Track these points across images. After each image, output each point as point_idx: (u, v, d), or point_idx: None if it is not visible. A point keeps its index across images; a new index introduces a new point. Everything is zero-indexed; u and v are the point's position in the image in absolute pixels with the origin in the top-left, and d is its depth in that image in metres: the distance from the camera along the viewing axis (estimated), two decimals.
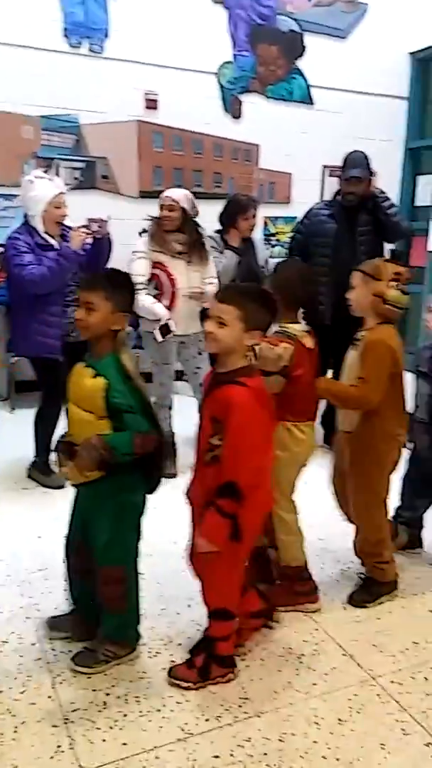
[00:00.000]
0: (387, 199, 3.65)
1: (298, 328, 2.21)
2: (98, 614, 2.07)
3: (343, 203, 3.70)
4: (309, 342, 2.23)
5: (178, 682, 1.99)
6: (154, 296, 3.41)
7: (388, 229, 3.68)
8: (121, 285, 1.94)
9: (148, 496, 2.04)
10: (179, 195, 3.41)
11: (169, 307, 3.40)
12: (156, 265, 3.40)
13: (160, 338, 3.41)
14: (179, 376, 3.77)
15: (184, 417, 3.51)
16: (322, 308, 3.67)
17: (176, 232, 3.40)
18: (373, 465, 2.32)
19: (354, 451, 2.35)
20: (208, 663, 1.99)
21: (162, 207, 3.40)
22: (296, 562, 2.33)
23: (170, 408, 3.62)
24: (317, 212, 3.80)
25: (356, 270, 2.31)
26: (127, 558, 2.02)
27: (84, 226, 3.25)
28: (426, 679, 2.05)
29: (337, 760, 1.74)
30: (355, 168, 3.61)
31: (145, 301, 3.39)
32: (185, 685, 1.97)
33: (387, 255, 3.90)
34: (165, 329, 3.41)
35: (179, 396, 3.83)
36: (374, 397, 2.21)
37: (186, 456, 3.63)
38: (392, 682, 2.03)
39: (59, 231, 3.27)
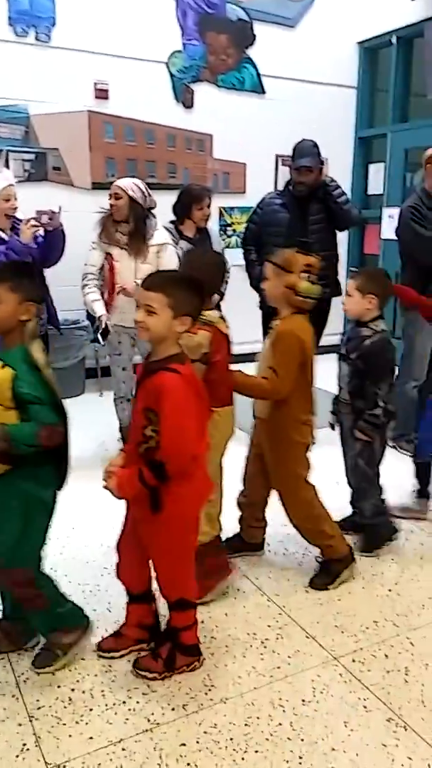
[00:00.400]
0: (337, 187, 3.69)
1: (214, 314, 2.21)
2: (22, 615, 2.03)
3: (294, 193, 3.72)
4: (224, 327, 2.24)
5: (143, 673, 1.99)
6: (102, 286, 3.46)
7: (339, 218, 3.72)
8: (26, 275, 1.89)
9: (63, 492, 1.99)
10: (126, 183, 3.38)
11: (110, 301, 3.41)
12: (106, 256, 3.43)
13: (101, 340, 3.46)
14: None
15: None
16: None
17: (124, 223, 3.39)
18: (287, 450, 2.40)
19: (269, 438, 2.44)
20: (173, 653, 2.00)
21: (110, 196, 3.41)
22: (205, 537, 2.31)
23: (128, 400, 3.61)
24: (270, 202, 3.81)
25: (268, 261, 2.33)
26: (34, 558, 1.95)
27: (34, 219, 3.19)
28: (386, 656, 2.10)
29: (302, 740, 1.77)
30: (304, 157, 3.62)
31: (87, 297, 3.46)
32: (151, 675, 1.98)
33: (340, 244, 3.94)
34: (104, 331, 3.42)
35: None
36: (284, 388, 2.28)
37: None
38: (354, 661, 2.08)
39: (9, 224, 3.20)
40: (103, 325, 3.40)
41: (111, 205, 3.39)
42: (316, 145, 3.66)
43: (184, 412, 1.77)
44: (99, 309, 3.43)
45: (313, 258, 2.32)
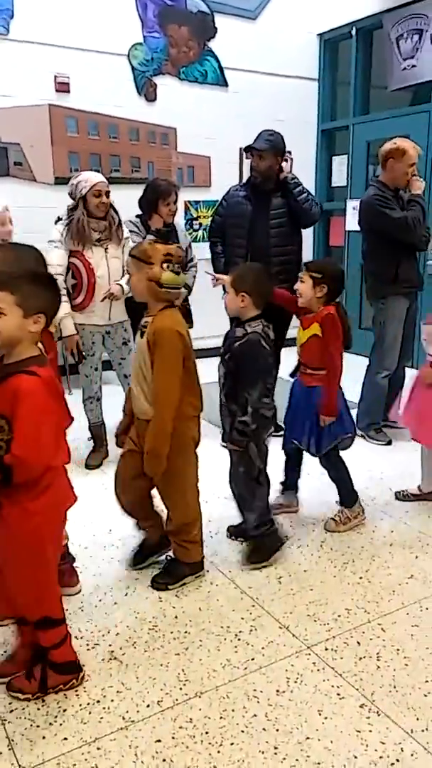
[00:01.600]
0: (298, 185, 3.68)
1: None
2: None
3: (255, 183, 3.72)
4: (53, 327, 2.18)
5: (15, 694, 1.88)
6: (72, 286, 3.33)
7: (299, 215, 3.73)
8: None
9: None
10: (104, 178, 3.33)
11: (87, 299, 3.33)
12: (73, 253, 3.29)
13: (74, 360, 3.41)
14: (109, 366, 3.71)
15: (111, 407, 3.49)
16: None
17: (98, 219, 3.30)
18: (174, 448, 2.22)
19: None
20: (44, 673, 1.89)
21: (99, 193, 3.26)
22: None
23: (98, 399, 3.58)
24: (234, 194, 3.81)
25: (130, 255, 2.22)
26: None
27: None
28: (358, 643, 2.13)
29: (277, 730, 1.78)
30: (256, 140, 3.61)
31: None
32: (23, 696, 1.87)
33: (305, 236, 3.95)
34: (78, 354, 3.37)
35: (111, 386, 3.78)
36: (174, 398, 2.17)
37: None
38: (326, 649, 2.10)
39: None
40: (77, 350, 3.35)
41: (99, 204, 3.26)
42: (274, 134, 3.64)
43: (41, 418, 1.64)
44: (70, 328, 3.32)
45: (172, 246, 2.21)
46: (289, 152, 3.74)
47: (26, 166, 4.90)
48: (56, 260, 3.24)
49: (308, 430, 2.72)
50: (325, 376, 2.67)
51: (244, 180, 3.96)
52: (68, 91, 4.93)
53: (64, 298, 3.27)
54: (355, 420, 2.94)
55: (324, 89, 6.15)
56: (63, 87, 4.89)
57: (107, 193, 3.29)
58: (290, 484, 3.00)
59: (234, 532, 2.76)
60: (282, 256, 3.69)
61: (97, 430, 3.63)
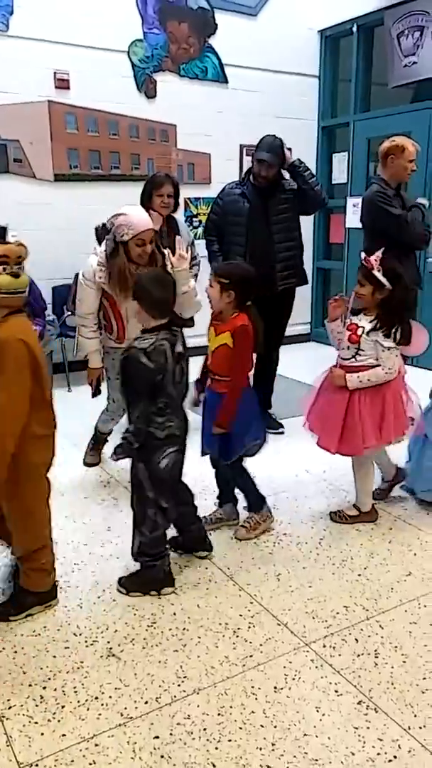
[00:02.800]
0: (307, 168, 3.71)
1: None
2: None
3: (256, 184, 3.73)
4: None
5: None
6: (104, 326, 3.13)
7: (309, 199, 3.73)
8: None
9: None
10: (150, 222, 2.88)
11: (122, 336, 3.08)
12: (106, 295, 3.00)
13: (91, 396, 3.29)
14: None
15: None
16: None
17: (138, 266, 2.88)
18: (21, 470, 2.07)
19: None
20: None
21: (143, 242, 2.82)
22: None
23: (119, 420, 3.37)
24: (230, 192, 3.82)
25: None
26: None
27: None
28: (356, 640, 2.13)
29: (275, 727, 1.78)
30: (265, 152, 3.63)
31: (87, 342, 3.13)
32: None
33: (305, 233, 3.95)
34: (96, 389, 3.25)
35: None
36: (18, 405, 1.99)
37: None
38: (324, 646, 2.10)
39: None
40: (97, 384, 3.22)
41: (143, 253, 2.85)
42: (279, 140, 3.67)
43: None
44: (97, 361, 3.17)
45: (9, 246, 2.01)
46: (289, 149, 3.74)
47: (26, 162, 4.89)
48: (89, 301, 3.02)
49: (217, 438, 2.58)
50: (229, 384, 2.54)
51: (241, 178, 3.95)
52: (68, 88, 4.91)
53: (94, 333, 3.12)
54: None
55: (324, 86, 6.14)
56: (63, 83, 4.88)
57: (151, 241, 2.87)
58: (226, 495, 2.87)
59: (169, 542, 2.51)
60: (286, 251, 3.70)
61: (101, 436, 3.53)
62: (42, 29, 4.72)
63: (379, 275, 2.56)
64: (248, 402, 2.59)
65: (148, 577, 2.37)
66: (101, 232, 3.18)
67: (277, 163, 3.64)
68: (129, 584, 2.38)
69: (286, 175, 3.80)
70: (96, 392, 3.28)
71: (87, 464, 3.52)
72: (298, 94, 5.97)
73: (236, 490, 2.85)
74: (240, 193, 3.74)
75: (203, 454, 2.68)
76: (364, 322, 2.64)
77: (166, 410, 2.25)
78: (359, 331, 2.63)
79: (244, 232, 3.68)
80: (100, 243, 3.12)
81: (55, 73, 4.84)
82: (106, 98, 5.08)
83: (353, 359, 2.67)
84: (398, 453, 3.05)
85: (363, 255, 2.63)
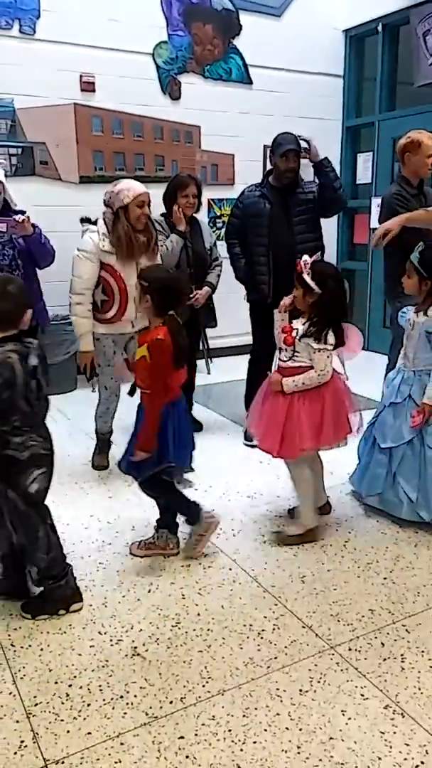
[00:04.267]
0: (333, 169, 3.71)
1: None
2: None
3: (275, 183, 3.74)
4: None
5: None
6: (102, 301, 3.19)
7: (329, 199, 3.71)
8: None
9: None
10: (145, 188, 3.15)
11: (119, 314, 3.20)
12: (105, 267, 3.12)
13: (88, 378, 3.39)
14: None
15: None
16: (264, 287, 3.72)
17: (141, 231, 3.13)
18: None
19: None
20: None
21: (142, 204, 3.06)
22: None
23: (113, 414, 3.46)
24: (249, 194, 3.83)
25: None
26: None
27: None
28: (382, 644, 2.11)
29: (300, 730, 1.77)
30: (289, 143, 3.62)
31: (80, 321, 3.19)
32: None
33: (329, 234, 3.93)
34: (91, 372, 3.30)
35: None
36: None
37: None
38: (350, 649, 2.08)
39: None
40: (90, 367, 3.26)
41: (143, 215, 3.07)
42: (296, 137, 3.69)
43: None
44: (89, 344, 3.22)
45: None
46: (310, 139, 3.72)
47: (51, 165, 4.94)
48: (86, 273, 3.13)
49: (129, 452, 2.46)
50: (147, 400, 2.42)
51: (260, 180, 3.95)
52: (93, 91, 4.96)
53: (89, 313, 3.20)
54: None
55: (349, 86, 6.10)
56: (88, 86, 4.92)
57: (148, 204, 3.12)
58: (163, 520, 2.68)
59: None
60: (308, 252, 3.68)
61: (104, 437, 3.55)
62: (68, 33, 4.76)
63: (308, 279, 2.52)
64: (169, 421, 2.41)
65: (56, 597, 2.25)
66: (84, 221, 3.26)
67: (300, 152, 3.65)
68: (35, 609, 2.24)
69: (306, 177, 3.80)
70: (92, 375, 3.34)
71: (95, 467, 3.52)
72: (323, 94, 5.94)
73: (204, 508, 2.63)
74: (260, 195, 3.75)
75: (119, 467, 2.58)
76: (298, 324, 2.61)
77: (22, 428, 2.07)
78: (294, 333, 2.59)
79: (266, 233, 3.68)
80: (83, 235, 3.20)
81: (81, 76, 4.88)
82: (131, 100, 5.11)
83: (291, 361, 2.63)
84: (348, 458, 3.00)
85: (304, 258, 2.58)
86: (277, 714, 1.83)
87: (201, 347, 4.34)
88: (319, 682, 1.95)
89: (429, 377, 2.76)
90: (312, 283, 2.52)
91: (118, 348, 3.35)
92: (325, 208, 3.77)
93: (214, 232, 5.33)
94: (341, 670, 1.99)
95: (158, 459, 2.42)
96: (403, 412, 2.83)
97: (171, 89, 5.30)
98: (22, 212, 3.20)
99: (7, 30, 4.61)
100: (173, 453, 2.43)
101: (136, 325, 3.26)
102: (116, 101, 5.06)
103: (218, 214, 5.69)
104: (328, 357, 2.58)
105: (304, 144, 3.66)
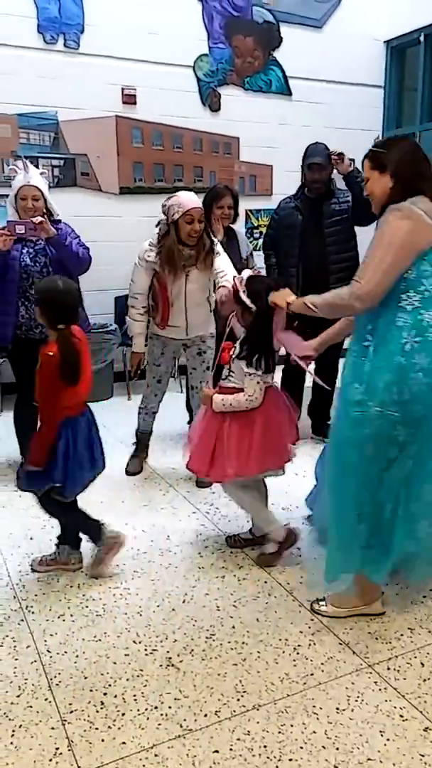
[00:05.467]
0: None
1: None
2: None
3: (309, 194, 3.76)
4: None
5: None
6: (152, 306, 3.32)
7: (363, 209, 3.69)
8: None
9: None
10: (199, 201, 3.14)
11: (162, 322, 3.29)
12: (157, 276, 3.22)
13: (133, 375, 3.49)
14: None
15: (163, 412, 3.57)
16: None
17: (190, 246, 3.14)
18: None
19: None
20: None
21: (192, 219, 3.05)
22: None
23: (154, 413, 3.55)
24: (285, 206, 3.88)
25: None
26: None
27: (1, 228, 3.10)
28: (422, 664, 2.06)
29: (337, 749, 1.74)
30: (316, 156, 3.66)
31: (135, 324, 3.33)
32: None
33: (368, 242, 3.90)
34: (136, 372, 3.42)
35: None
36: None
37: (155, 453, 3.63)
38: (389, 668, 2.03)
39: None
40: (137, 367, 3.38)
41: (193, 231, 3.07)
42: (323, 145, 3.72)
43: None
44: (140, 345, 3.35)
45: None
46: (352, 159, 3.71)
47: (92, 176, 5.02)
48: (138, 280, 3.26)
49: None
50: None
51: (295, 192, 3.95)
52: (134, 103, 5.02)
53: (141, 317, 3.31)
54: None
55: (390, 96, 6.06)
56: (130, 99, 4.99)
57: (200, 220, 3.09)
58: (64, 537, 2.60)
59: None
60: (341, 263, 3.67)
61: (143, 437, 3.63)
62: (111, 47, 4.84)
63: (243, 296, 2.39)
64: (62, 440, 2.31)
65: None
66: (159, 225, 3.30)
67: (328, 164, 3.67)
68: None
69: (339, 185, 3.79)
70: (136, 375, 3.45)
71: (128, 473, 3.54)
72: (363, 104, 5.91)
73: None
74: (294, 207, 3.77)
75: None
76: (238, 343, 2.50)
77: None
78: (231, 352, 2.49)
79: (297, 245, 3.70)
80: None
81: (122, 89, 4.96)
82: (171, 112, 5.16)
83: (227, 380, 2.54)
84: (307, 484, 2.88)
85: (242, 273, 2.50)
86: (314, 732, 1.80)
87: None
88: (356, 700, 1.91)
89: None
90: (248, 301, 2.40)
91: (167, 350, 3.42)
92: (358, 217, 3.76)
93: (251, 242, 5.36)
94: (379, 690, 1.95)
95: (46, 477, 2.33)
96: None
97: (211, 101, 5.34)
98: (57, 221, 3.26)
99: (52, 44, 4.71)
100: (62, 473, 2.31)
101: (190, 333, 3.34)
102: (157, 113, 5.11)
103: (255, 224, 5.69)
104: (258, 383, 2.44)
105: (334, 157, 3.66)
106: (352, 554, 2.17)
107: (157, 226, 3.25)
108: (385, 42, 5.94)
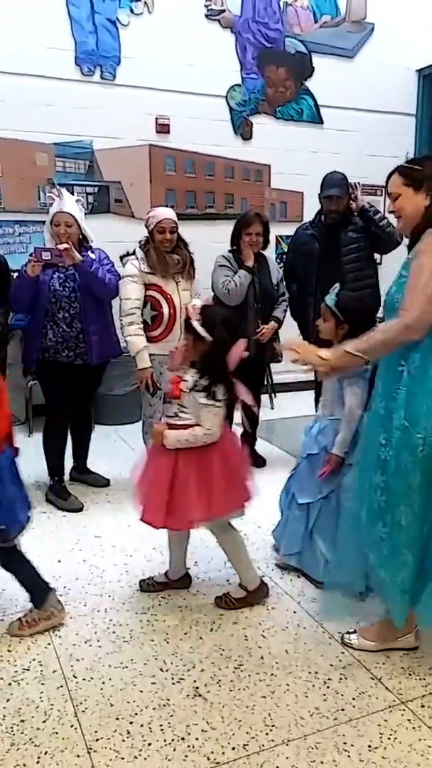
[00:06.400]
0: (377, 212, 3.74)
1: None
2: None
3: (326, 222, 3.77)
4: None
5: None
6: (152, 317, 3.37)
7: (383, 241, 3.72)
8: None
9: None
10: (172, 215, 3.38)
11: (167, 330, 3.37)
12: (150, 287, 3.35)
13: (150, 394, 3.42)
14: None
15: None
16: (309, 327, 3.70)
17: (170, 253, 3.38)
18: None
19: None
20: None
21: (163, 230, 3.33)
22: None
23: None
24: (302, 233, 3.90)
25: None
26: None
27: (32, 254, 3.18)
28: None
29: None
30: (332, 187, 3.70)
31: (133, 339, 3.33)
32: None
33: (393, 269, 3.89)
34: (153, 387, 3.38)
35: None
36: None
37: None
38: (422, 706, 1.97)
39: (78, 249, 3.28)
40: (152, 383, 3.36)
41: (164, 240, 3.33)
42: (341, 174, 3.75)
43: None
44: (146, 360, 3.34)
45: None
46: (358, 183, 3.76)
47: (125, 203, 5.11)
48: (134, 294, 3.31)
49: None
50: None
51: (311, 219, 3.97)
52: (168, 132, 5.12)
53: (141, 332, 3.34)
54: None
55: (421, 124, 6.08)
56: (163, 128, 5.10)
57: (171, 231, 3.32)
58: (35, 596, 2.36)
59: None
60: (359, 290, 3.65)
61: None
62: (146, 78, 4.96)
63: (196, 325, 2.23)
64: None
65: None
66: (124, 257, 3.48)
67: (345, 194, 3.70)
68: None
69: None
70: (154, 390, 3.36)
71: None
72: (394, 132, 5.93)
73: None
74: (311, 234, 3.79)
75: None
76: (189, 375, 2.30)
77: None
78: (182, 385, 2.29)
79: (314, 273, 3.71)
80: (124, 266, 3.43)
81: (156, 118, 5.07)
82: (203, 141, 5.25)
83: (176, 417, 2.32)
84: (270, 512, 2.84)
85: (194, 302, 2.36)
86: None
87: (265, 382, 4.35)
88: (389, 738, 1.85)
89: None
90: (201, 330, 2.23)
91: (164, 370, 3.38)
92: (378, 247, 3.78)
93: (280, 267, 5.38)
94: (413, 728, 1.89)
95: None
96: (319, 464, 2.58)
97: (243, 130, 5.42)
98: (89, 248, 3.34)
99: (89, 76, 4.85)
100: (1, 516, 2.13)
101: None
102: (189, 142, 5.21)
103: (285, 250, 5.71)
104: (215, 415, 2.26)
105: (351, 190, 3.71)
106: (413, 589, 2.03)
107: (127, 255, 3.44)
108: (417, 71, 5.98)
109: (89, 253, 3.33)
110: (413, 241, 2.03)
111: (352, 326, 2.48)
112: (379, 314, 2.46)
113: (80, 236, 3.33)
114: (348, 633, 2.29)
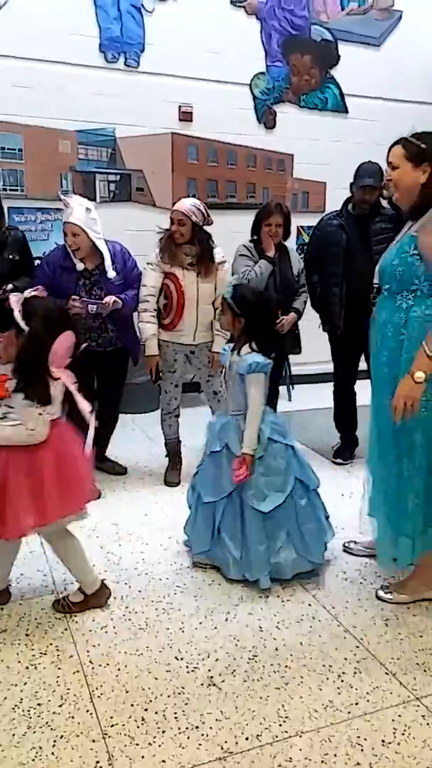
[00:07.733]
0: None
1: None
2: None
3: (354, 213, 3.72)
4: None
5: None
6: (164, 306, 3.44)
7: None
8: None
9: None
10: (188, 208, 3.35)
11: (176, 319, 3.42)
12: (168, 275, 3.41)
13: (153, 380, 3.55)
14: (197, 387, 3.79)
15: (193, 427, 3.53)
16: (335, 318, 3.70)
17: (186, 244, 3.39)
18: None
19: None
20: None
21: (172, 221, 3.36)
22: None
23: (177, 416, 3.66)
24: (328, 223, 3.81)
25: None
26: None
27: (77, 306, 3.21)
28: None
29: None
30: (369, 177, 3.63)
31: (145, 326, 3.45)
32: None
33: None
34: (156, 375, 3.49)
35: (195, 408, 3.84)
36: None
37: (191, 465, 3.62)
38: None
39: (94, 258, 3.31)
40: (155, 371, 3.47)
41: (174, 231, 3.36)
42: (377, 165, 3.67)
43: None
44: (153, 348, 3.45)
45: None
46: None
47: (147, 191, 5.09)
48: (150, 282, 3.41)
49: None
50: None
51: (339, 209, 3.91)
52: (191, 120, 5.09)
53: (153, 319, 3.43)
54: None
55: None
56: (186, 116, 5.06)
57: (180, 223, 3.33)
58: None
59: None
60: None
61: (173, 446, 3.70)
62: (170, 65, 4.93)
63: (18, 316, 2.07)
64: None
65: None
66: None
67: (379, 185, 3.65)
68: None
69: (384, 202, 3.75)
70: (157, 378, 3.51)
71: (167, 483, 3.60)
72: (420, 122, 5.78)
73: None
74: (338, 225, 3.73)
75: None
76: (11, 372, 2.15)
77: None
78: (8, 384, 2.12)
79: (341, 263, 3.66)
80: None
81: (179, 106, 5.03)
82: (226, 129, 5.21)
83: (5, 418, 2.14)
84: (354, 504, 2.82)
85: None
86: (358, 764, 1.74)
87: (284, 373, 4.33)
88: (403, 734, 1.85)
89: (245, 422, 2.51)
90: (21, 322, 2.07)
91: (179, 356, 3.54)
92: None
93: (302, 258, 5.34)
94: (428, 724, 1.88)
95: None
96: (222, 461, 2.57)
97: (266, 119, 5.37)
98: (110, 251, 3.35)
99: (113, 63, 4.82)
100: None
101: (197, 338, 3.49)
102: (212, 130, 5.17)
103: (306, 240, 5.67)
104: (39, 415, 2.11)
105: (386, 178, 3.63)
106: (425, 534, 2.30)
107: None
108: None
109: (110, 270, 3.31)
110: (416, 215, 2.15)
111: (247, 319, 2.55)
112: (375, 281, 2.53)
113: (91, 244, 3.28)
114: (383, 588, 2.46)
